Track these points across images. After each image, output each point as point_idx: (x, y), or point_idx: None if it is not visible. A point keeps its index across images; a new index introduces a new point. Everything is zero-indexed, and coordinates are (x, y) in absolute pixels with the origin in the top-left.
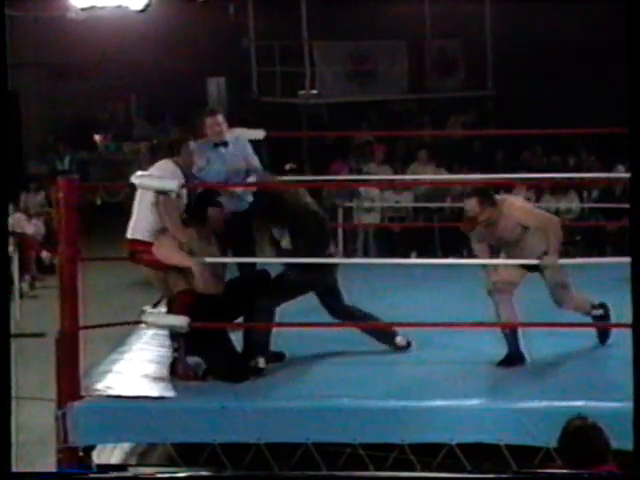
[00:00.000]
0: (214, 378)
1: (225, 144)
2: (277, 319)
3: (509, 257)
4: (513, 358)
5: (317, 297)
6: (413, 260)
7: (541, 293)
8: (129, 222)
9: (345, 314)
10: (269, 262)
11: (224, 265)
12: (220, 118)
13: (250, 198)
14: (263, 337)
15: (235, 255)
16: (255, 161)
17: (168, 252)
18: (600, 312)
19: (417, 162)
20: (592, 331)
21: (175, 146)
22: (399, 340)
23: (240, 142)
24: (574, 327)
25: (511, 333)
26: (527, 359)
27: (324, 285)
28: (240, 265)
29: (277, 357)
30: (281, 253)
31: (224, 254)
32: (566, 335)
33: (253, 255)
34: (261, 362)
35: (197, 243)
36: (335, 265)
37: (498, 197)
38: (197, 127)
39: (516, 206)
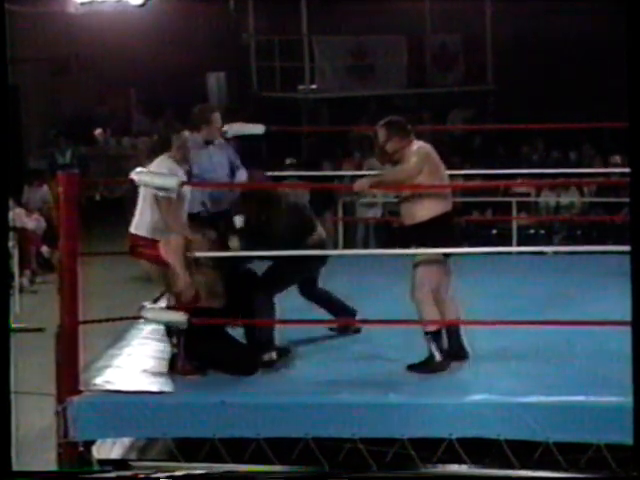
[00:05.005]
0: (221, 371)
1: (211, 141)
2: (278, 316)
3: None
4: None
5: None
6: (413, 250)
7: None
8: (133, 216)
9: (317, 297)
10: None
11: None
12: (219, 115)
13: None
14: (267, 331)
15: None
16: (237, 159)
17: (171, 252)
18: None
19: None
20: (592, 327)
21: (173, 140)
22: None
23: (220, 140)
24: (570, 325)
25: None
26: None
27: (313, 271)
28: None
29: (284, 352)
30: (252, 241)
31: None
32: (566, 330)
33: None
34: (273, 355)
35: (200, 245)
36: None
37: (416, 141)
38: (204, 122)
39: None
